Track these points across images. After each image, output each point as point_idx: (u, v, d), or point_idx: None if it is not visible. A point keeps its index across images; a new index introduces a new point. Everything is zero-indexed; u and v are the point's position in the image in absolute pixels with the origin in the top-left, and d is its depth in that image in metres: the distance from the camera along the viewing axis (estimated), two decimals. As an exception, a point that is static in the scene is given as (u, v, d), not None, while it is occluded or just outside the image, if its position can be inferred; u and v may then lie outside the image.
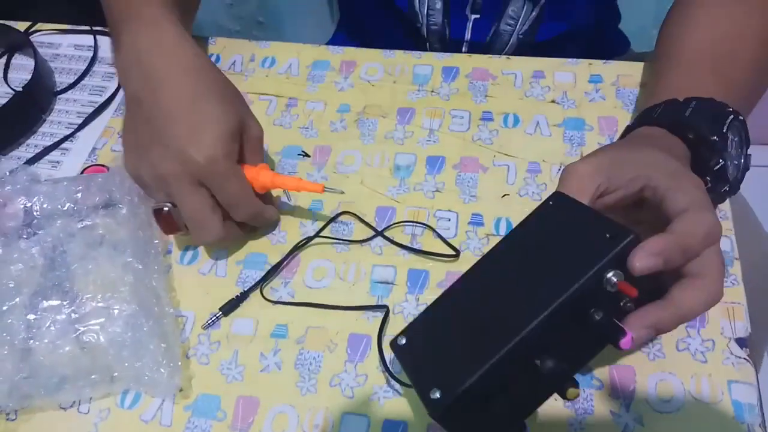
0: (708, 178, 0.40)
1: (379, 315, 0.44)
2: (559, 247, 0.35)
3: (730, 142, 0.40)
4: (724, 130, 0.40)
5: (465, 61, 0.58)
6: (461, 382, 0.30)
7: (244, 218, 0.45)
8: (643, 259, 0.31)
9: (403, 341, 0.35)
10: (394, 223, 0.48)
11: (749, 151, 0.41)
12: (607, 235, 0.31)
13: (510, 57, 0.58)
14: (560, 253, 0.34)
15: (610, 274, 0.31)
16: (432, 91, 0.57)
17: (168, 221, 0.43)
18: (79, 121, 0.57)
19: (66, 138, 0.56)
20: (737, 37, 0.48)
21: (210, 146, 0.41)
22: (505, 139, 0.53)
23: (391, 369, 0.41)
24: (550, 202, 0.37)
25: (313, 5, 1.25)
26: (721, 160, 0.39)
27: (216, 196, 0.43)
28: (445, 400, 0.30)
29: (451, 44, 0.66)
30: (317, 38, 0.86)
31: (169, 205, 0.42)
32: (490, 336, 0.32)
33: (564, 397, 0.31)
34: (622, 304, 0.32)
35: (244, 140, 0.45)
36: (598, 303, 0.31)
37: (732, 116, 0.40)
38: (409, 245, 0.47)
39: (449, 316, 0.36)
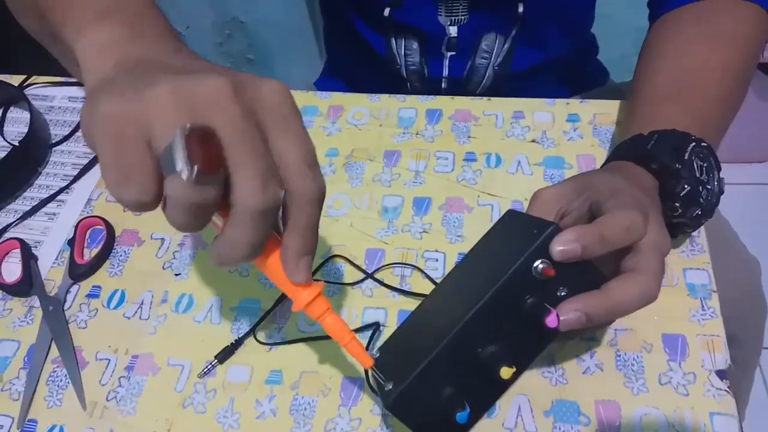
0: (677, 204, 0.42)
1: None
2: (499, 251, 0.39)
3: (696, 167, 0.42)
4: (687, 157, 0.42)
5: (447, 103, 0.60)
6: (408, 375, 0.34)
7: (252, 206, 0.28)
8: (561, 244, 0.34)
9: (377, 355, 0.39)
10: (383, 266, 0.50)
11: (722, 175, 0.43)
12: (534, 231, 0.35)
13: (490, 98, 0.60)
14: (499, 255, 0.38)
15: (537, 263, 0.34)
16: (417, 134, 0.59)
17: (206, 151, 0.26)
18: (75, 172, 0.59)
19: (62, 190, 0.58)
20: (702, 70, 0.50)
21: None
22: (489, 179, 0.54)
23: (371, 384, 0.43)
24: (504, 218, 0.42)
25: (302, 43, 1.28)
26: (687, 186, 0.42)
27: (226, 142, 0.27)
28: (395, 392, 0.34)
29: (430, 82, 0.68)
30: (306, 75, 0.89)
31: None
32: (437, 334, 0.35)
33: (500, 378, 0.34)
34: (558, 293, 0.35)
35: None
36: (530, 291, 0.35)
37: (694, 143, 0.43)
38: (399, 287, 0.48)
39: (411, 327, 0.41)
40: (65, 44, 0.37)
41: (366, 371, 0.42)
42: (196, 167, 0.25)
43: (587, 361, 0.43)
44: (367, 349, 0.44)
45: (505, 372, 0.34)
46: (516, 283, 0.35)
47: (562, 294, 0.35)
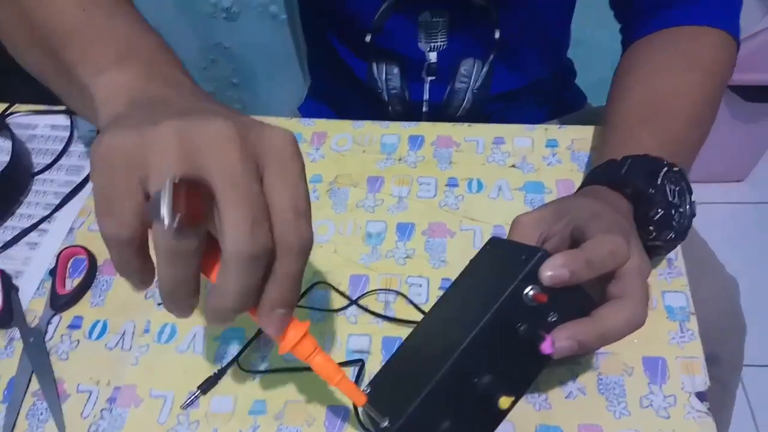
0: (651, 227, 0.43)
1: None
2: (487, 279, 0.39)
3: (669, 191, 0.43)
4: (659, 182, 0.43)
5: (429, 130, 0.61)
6: (404, 410, 0.34)
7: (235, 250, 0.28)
8: (550, 269, 0.34)
9: (368, 390, 0.38)
10: (367, 292, 0.50)
11: (694, 198, 0.45)
12: (523, 257, 0.35)
13: (471, 124, 0.61)
14: (488, 283, 0.38)
15: (527, 290, 0.34)
16: (399, 159, 0.59)
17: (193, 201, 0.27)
18: (57, 201, 0.59)
19: (44, 219, 0.57)
20: (672, 94, 0.52)
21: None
22: (471, 204, 0.55)
23: (362, 421, 0.42)
24: (487, 246, 0.42)
25: (286, 68, 1.29)
26: (660, 210, 0.43)
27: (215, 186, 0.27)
28: (393, 428, 0.34)
29: (411, 105, 0.69)
30: (290, 99, 0.90)
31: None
32: (430, 366, 0.35)
33: (498, 407, 0.34)
34: (549, 319, 0.35)
35: None
36: (522, 318, 0.35)
37: (666, 168, 0.44)
38: (383, 313, 0.49)
39: (402, 361, 0.41)
40: (77, 81, 0.38)
41: (355, 407, 0.42)
42: (177, 218, 0.25)
43: (570, 386, 0.44)
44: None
45: (504, 401, 0.34)
46: (508, 311, 0.35)
47: (553, 319, 0.35)
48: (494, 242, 0.42)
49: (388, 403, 0.36)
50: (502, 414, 0.35)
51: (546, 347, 0.34)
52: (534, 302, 0.34)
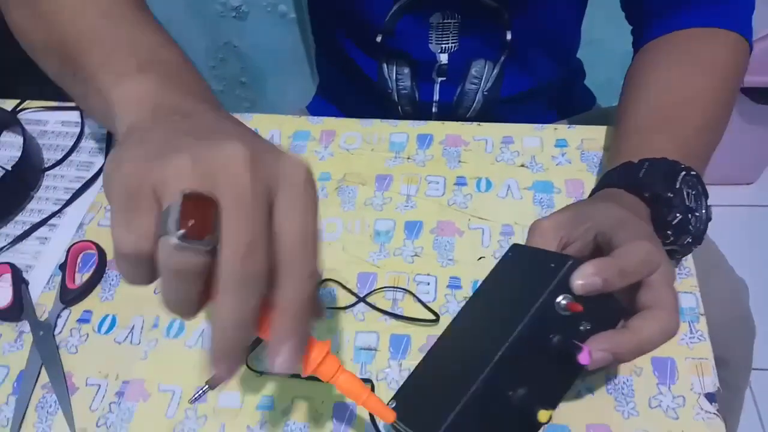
0: (669, 232, 0.43)
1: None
2: (515, 288, 0.38)
3: (686, 195, 0.43)
4: (678, 186, 0.43)
5: (438, 128, 0.61)
6: (439, 425, 0.33)
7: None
8: (582, 277, 0.34)
9: (393, 405, 0.38)
10: (375, 289, 0.50)
11: (709, 202, 0.44)
12: (552, 265, 0.35)
13: (480, 123, 0.61)
14: (517, 293, 0.38)
15: (559, 299, 0.34)
16: (408, 158, 0.59)
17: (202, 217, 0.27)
18: (67, 196, 0.59)
19: (54, 214, 0.58)
20: (687, 98, 0.52)
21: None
22: (479, 203, 0.55)
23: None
24: (509, 254, 0.41)
25: (294, 67, 1.29)
26: (678, 214, 0.43)
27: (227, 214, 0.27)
28: None
29: (421, 106, 0.69)
30: (298, 98, 0.90)
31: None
32: (463, 379, 0.34)
33: (536, 421, 0.33)
34: (581, 328, 0.35)
35: None
36: (555, 328, 0.34)
37: (684, 172, 0.44)
38: (391, 311, 0.49)
39: (430, 373, 0.39)
40: (96, 88, 0.38)
41: (373, 420, 0.42)
42: (183, 230, 0.25)
43: (578, 385, 0.44)
44: None
45: (543, 415, 0.33)
46: (540, 321, 0.34)
47: (586, 328, 0.35)
48: (517, 249, 0.41)
49: (418, 418, 0.35)
50: (539, 427, 0.34)
51: (583, 358, 0.33)
52: (567, 311, 0.34)
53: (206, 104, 0.36)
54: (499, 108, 0.69)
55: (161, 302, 0.29)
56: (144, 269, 0.28)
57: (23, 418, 0.45)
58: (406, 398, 0.39)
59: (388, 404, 0.37)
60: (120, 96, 0.36)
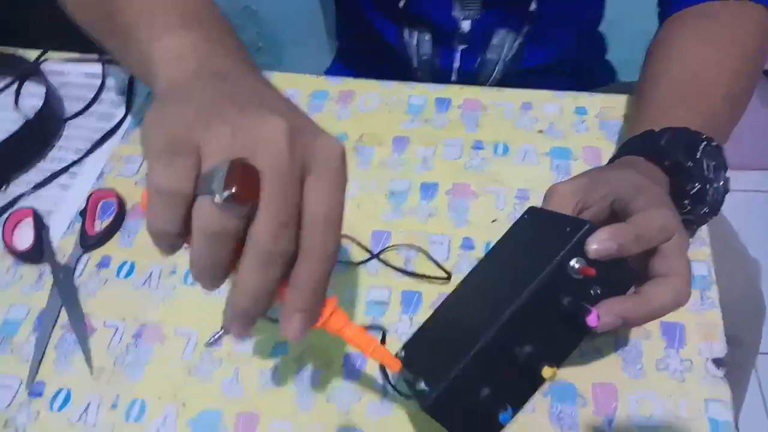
0: (686, 201, 0.43)
1: (375, 334, 0.46)
2: (530, 249, 0.39)
3: (706, 166, 0.43)
4: (698, 156, 0.43)
5: (457, 93, 0.61)
6: (446, 376, 0.34)
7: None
8: (597, 242, 0.34)
9: (403, 354, 0.39)
10: (389, 247, 0.51)
11: (728, 174, 0.44)
12: (568, 229, 0.35)
13: (500, 89, 0.61)
14: (531, 254, 0.38)
15: (572, 262, 0.34)
16: (426, 121, 0.59)
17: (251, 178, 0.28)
18: (88, 146, 0.60)
19: (74, 163, 0.59)
20: (710, 70, 0.51)
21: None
22: (496, 167, 0.55)
23: (392, 382, 0.43)
24: (525, 216, 0.41)
25: (313, 33, 1.28)
26: (697, 184, 0.43)
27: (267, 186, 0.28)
28: (435, 393, 0.34)
29: (440, 73, 0.69)
30: (316, 64, 0.90)
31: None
32: (472, 333, 0.35)
33: (541, 377, 0.34)
34: (592, 292, 0.35)
35: None
36: (566, 290, 0.35)
37: (705, 143, 0.44)
38: (403, 268, 0.49)
39: (439, 326, 0.40)
40: (134, 43, 0.39)
41: (383, 369, 0.43)
42: (227, 192, 0.26)
43: (585, 345, 0.44)
44: None
45: (547, 372, 0.34)
46: (552, 282, 0.34)
47: (597, 293, 0.35)
48: (533, 212, 0.41)
49: (425, 368, 0.36)
50: (542, 383, 0.35)
51: (592, 320, 0.34)
52: (579, 275, 0.34)
53: (247, 67, 0.36)
54: (519, 78, 0.69)
55: (191, 272, 0.30)
56: (174, 211, 0.28)
57: (43, 355, 0.46)
58: (415, 348, 0.40)
59: (397, 354, 0.38)
60: (161, 50, 0.36)
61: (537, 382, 0.35)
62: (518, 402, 0.36)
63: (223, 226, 0.27)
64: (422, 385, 0.35)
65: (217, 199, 0.26)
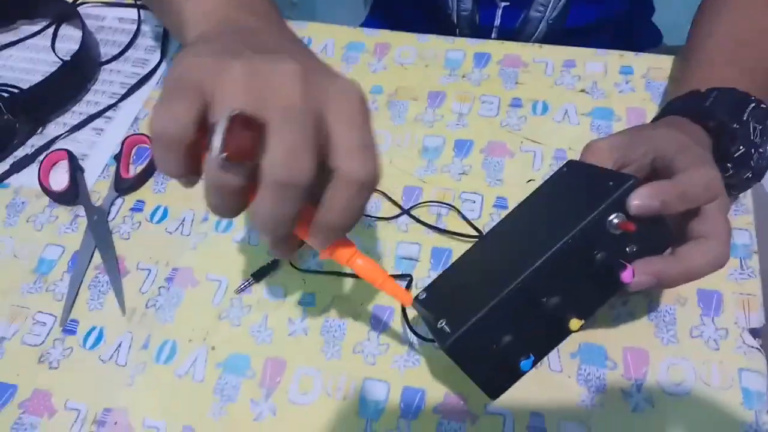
0: (730, 164, 0.41)
1: (402, 283, 0.45)
2: (568, 201, 0.38)
3: (752, 129, 0.41)
4: (745, 118, 0.41)
5: (497, 48, 0.59)
6: (470, 318, 0.33)
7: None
8: (640, 198, 0.33)
9: (424, 296, 0.39)
10: (420, 203, 0.50)
11: None
12: (610, 183, 0.34)
13: (542, 45, 0.59)
14: (569, 205, 0.37)
15: (612, 217, 0.33)
16: (463, 76, 0.58)
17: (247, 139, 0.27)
18: (123, 91, 0.60)
19: (109, 107, 0.59)
20: (760, 31, 0.49)
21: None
22: (533, 126, 0.54)
23: (414, 328, 0.43)
24: (564, 169, 0.40)
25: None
26: (741, 147, 0.41)
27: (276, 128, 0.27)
28: (455, 334, 0.33)
29: (481, 30, 0.67)
30: (349, 21, 0.88)
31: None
32: (500, 278, 0.34)
33: (567, 329, 0.33)
34: (627, 249, 0.34)
35: None
36: (602, 245, 0.34)
37: (753, 104, 0.42)
38: (434, 225, 0.49)
39: (465, 271, 0.40)
40: (169, 3, 0.41)
41: (404, 310, 0.43)
42: (225, 154, 0.26)
43: (618, 309, 0.43)
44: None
45: (574, 324, 0.33)
46: (589, 235, 0.33)
47: (633, 250, 0.35)
48: (573, 165, 0.40)
49: (448, 310, 0.36)
50: (567, 335, 0.35)
51: (627, 276, 0.33)
52: (618, 230, 0.33)
53: (272, 24, 0.37)
54: (563, 38, 0.66)
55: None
56: (173, 156, 0.28)
57: (77, 294, 0.47)
58: (437, 291, 0.39)
59: (417, 295, 0.38)
60: (191, 11, 0.38)
61: (563, 333, 0.35)
62: (541, 351, 0.35)
63: (226, 184, 0.27)
64: (443, 325, 0.34)
65: (215, 159, 0.26)
